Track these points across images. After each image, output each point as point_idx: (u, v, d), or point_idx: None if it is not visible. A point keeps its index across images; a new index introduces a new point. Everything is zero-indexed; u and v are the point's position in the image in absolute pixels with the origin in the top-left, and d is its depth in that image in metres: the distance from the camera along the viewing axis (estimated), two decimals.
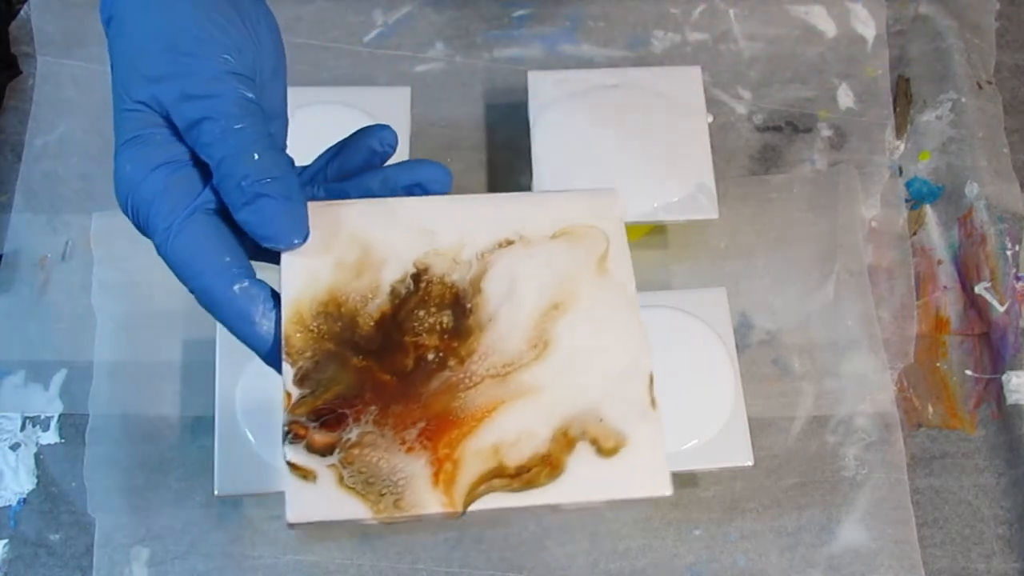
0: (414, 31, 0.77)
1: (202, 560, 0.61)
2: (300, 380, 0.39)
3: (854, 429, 0.65)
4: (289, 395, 0.38)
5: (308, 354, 0.39)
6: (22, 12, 0.76)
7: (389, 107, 0.68)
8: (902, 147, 0.74)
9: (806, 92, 0.76)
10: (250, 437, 0.58)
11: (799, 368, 0.67)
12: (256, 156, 0.38)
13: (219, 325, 0.61)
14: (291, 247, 0.40)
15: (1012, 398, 0.66)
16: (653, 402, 0.40)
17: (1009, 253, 0.69)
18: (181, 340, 0.66)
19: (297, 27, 0.77)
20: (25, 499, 0.63)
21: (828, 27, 0.78)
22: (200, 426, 0.64)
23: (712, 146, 0.67)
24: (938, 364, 0.68)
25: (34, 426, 0.65)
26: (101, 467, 0.63)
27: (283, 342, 0.39)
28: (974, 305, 0.69)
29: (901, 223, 0.71)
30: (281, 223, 0.39)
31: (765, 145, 0.74)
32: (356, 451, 0.38)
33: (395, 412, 0.38)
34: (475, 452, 0.38)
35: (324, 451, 0.38)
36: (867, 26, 0.78)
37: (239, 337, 0.40)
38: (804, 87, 0.76)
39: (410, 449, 0.38)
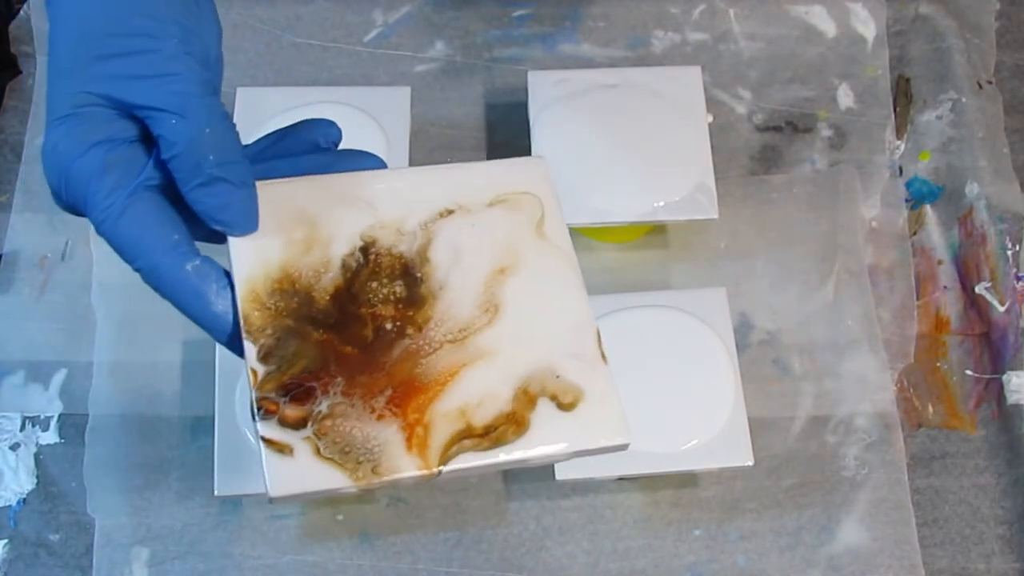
0: (414, 31, 0.77)
1: (202, 560, 0.61)
2: (264, 357, 0.39)
3: (854, 429, 0.65)
4: (255, 372, 0.39)
5: (268, 331, 0.40)
6: (22, 12, 0.76)
7: (389, 107, 0.68)
8: (902, 147, 0.74)
9: (806, 92, 0.76)
10: (250, 437, 0.58)
11: (799, 368, 0.67)
12: (214, 138, 0.38)
13: None
14: (243, 234, 0.40)
15: (1012, 398, 0.66)
16: (603, 356, 0.41)
17: (1009, 253, 0.69)
18: (181, 340, 0.66)
19: (297, 27, 0.77)
20: (25, 499, 0.63)
21: (828, 27, 0.78)
22: (200, 426, 0.64)
23: (712, 146, 0.67)
24: (938, 364, 0.68)
25: (34, 426, 0.65)
26: (101, 467, 0.63)
27: (242, 320, 0.39)
28: (974, 305, 0.69)
29: (901, 223, 0.71)
30: (238, 209, 0.39)
31: (765, 145, 0.74)
32: (329, 422, 0.38)
33: (361, 382, 0.39)
34: (443, 415, 0.39)
35: (297, 424, 0.38)
36: (867, 26, 0.78)
37: (194, 317, 0.40)
38: (804, 87, 0.76)
39: (380, 416, 0.39)
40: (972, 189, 0.71)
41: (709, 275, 0.70)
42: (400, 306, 0.41)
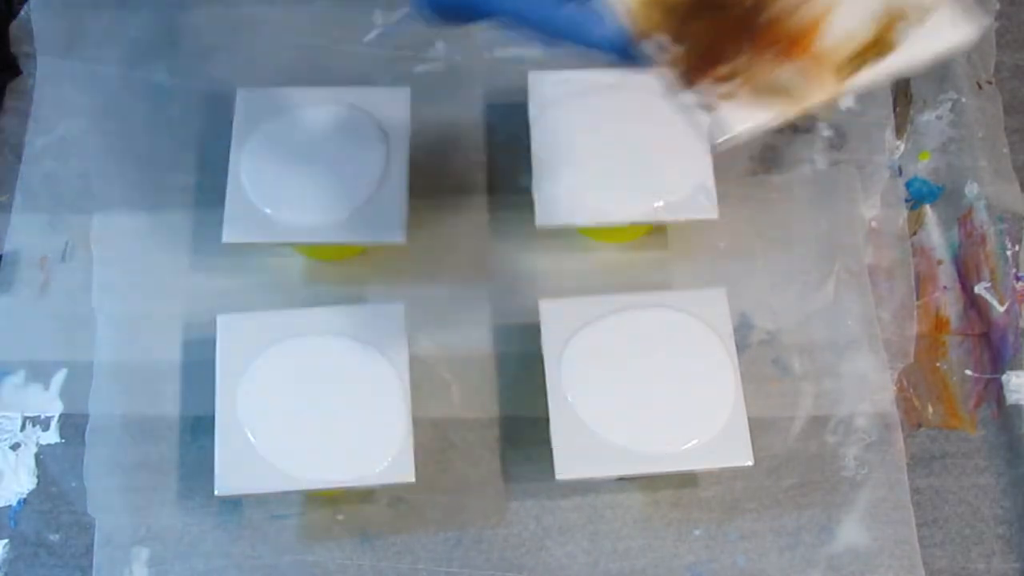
0: (414, 31, 0.77)
1: (202, 560, 0.61)
2: (662, 49, 0.45)
3: (854, 429, 0.65)
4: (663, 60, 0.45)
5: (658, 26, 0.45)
6: (22, 12, 0.76)
7: (389, 107, 0.68)
8: (902, 147, 0.74)
9: None
10: (250, 437, 0.58)
11: (799, 368, 0.67)
12: None
13: (219, 326, 0.61)
14: None
15: (1012, 398, 0.66)
16: None
17: (1009, 253, 0.69)
18: (181, 340, 0.66)
19: (297, 27, 0.77)
20: (25, 499, 0.63)
21: None
22: (200, 426, 0.64)
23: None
24: (938, 364, 0.68)
25: (34, 426, 0.65)
26: (101, 467, 0.63)
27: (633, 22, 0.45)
28: (974, 305, 0.69)
29: (901, 223, 0.71)
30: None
31: (765, 145, 0.74)
32: (742, 77, 0.44)
33: (750, 47, 0.44)
34: (829, 48, 0.44)
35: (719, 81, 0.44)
36: None
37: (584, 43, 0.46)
38: None
39: (779, 63, 0.44)
40: (972, 189, 0.71)
41: (709, 275, 0.69)
42: None
